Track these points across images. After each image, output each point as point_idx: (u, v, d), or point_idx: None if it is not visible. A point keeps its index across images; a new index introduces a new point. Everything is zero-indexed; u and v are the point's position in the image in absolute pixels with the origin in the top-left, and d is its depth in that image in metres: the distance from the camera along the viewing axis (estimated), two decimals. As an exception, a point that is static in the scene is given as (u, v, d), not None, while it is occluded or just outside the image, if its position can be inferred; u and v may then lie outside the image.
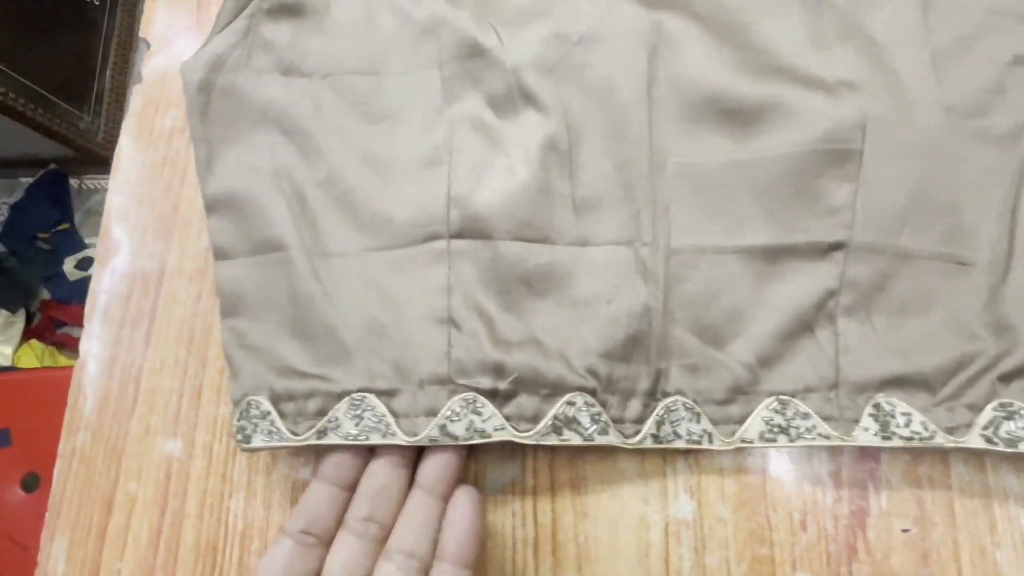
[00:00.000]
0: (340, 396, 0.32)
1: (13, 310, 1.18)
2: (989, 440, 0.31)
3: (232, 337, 0.35)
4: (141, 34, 0.47)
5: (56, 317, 1.19)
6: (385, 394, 0.32)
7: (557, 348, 0.32)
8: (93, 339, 0.41)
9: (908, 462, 0.33)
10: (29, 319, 1.20)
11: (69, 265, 1.22)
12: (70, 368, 0.39)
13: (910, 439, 0.31)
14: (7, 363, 1.13)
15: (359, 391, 0.32)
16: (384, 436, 0.31)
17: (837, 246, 0.33)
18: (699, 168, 0.34)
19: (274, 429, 0.33)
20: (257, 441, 0.33)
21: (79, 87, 1.05)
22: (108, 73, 1.12)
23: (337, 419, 0.32)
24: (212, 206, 0.37)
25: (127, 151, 0.44)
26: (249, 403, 0.34)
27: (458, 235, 0.33)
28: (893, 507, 0.33)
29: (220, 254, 0.36)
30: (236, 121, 0.37)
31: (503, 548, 0.33)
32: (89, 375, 0.40)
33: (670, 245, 0.33)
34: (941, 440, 0.31)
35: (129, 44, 1.16)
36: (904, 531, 0.32)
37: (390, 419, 0.31)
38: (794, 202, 0.33)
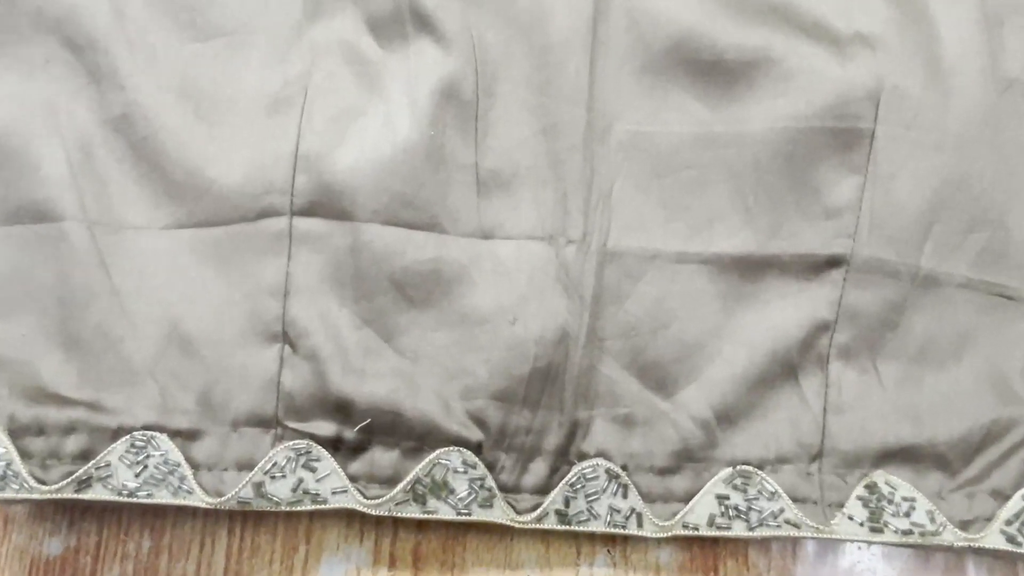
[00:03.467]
0: (117, 434, 0.31)
1: None
2: (1012, 539, 0.30)
3: (-38, 340, 0.31)
4: None
5: None
6: (183, 435, 0.31)
7: (432, 383, 0.31)
8: None
9: (916, 564, 0.33)
10: None
11: None
12: None
13: (908, 533, 0.31)
14: None
15: (145, 428, 0.31)
16: (176, 493, 0.30)
17: (835, 261, 0.32)
18: (657, 140, 0.33)
19: (11, 474, 0.30)
20: (-22, 492, 0.29)
21: None
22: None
23: (109, 464, 0.30)
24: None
25: None
26: (-26, 437, 0.30)
27: (305, 212, 0.32)
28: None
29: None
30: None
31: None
32: None
33: (607, 245, 0.33)
34: (950, 537, 0.30)
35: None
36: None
37: (187, 471, 0.30)
38: (782, 197, 0.33)
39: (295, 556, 0.33)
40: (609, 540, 0.33)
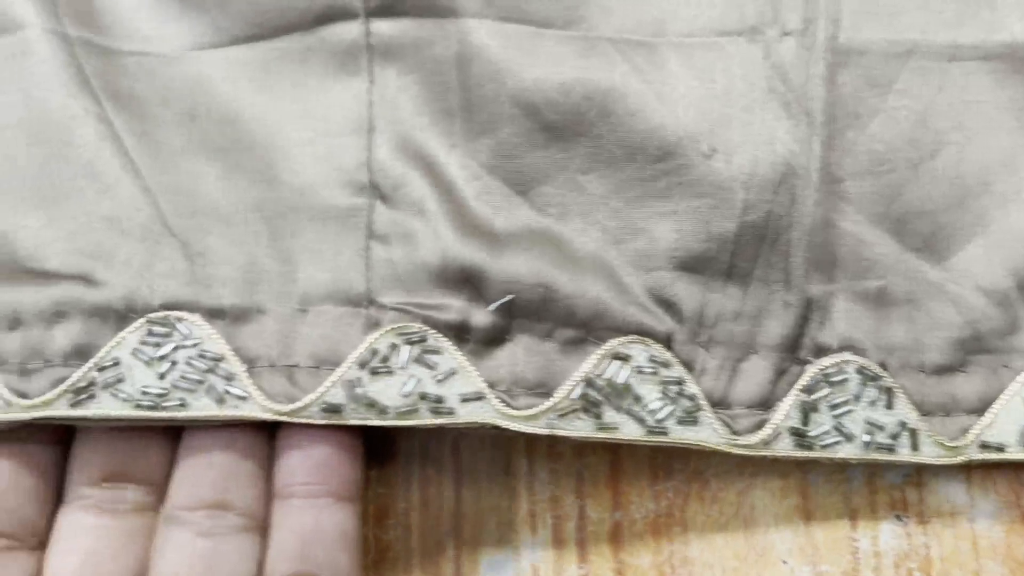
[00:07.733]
0: (125, 317, 0.26)
1: None
2: None
3: None
4: None
5: None
6: (224, 316, 0.26)
7: (595, 247, 0.27)
8: None
9: None
10: None
11: None
12: None
13: None
14: None
15: (166, 308, 0.26)
16: (222, 402, 0.25)
17: None
18: None
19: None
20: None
21: None
22: None
23: (118, 363, 0.25)
24: None
25: None
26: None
27: (386, 10, 0.28)
28: None
29: None
30: None
31: None
32: None
33: (839, 38, 0.28)
34: None
35: None
36: None
37: (236, 366, 0.25)
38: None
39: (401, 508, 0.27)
40: (897, 500, 0.27)
